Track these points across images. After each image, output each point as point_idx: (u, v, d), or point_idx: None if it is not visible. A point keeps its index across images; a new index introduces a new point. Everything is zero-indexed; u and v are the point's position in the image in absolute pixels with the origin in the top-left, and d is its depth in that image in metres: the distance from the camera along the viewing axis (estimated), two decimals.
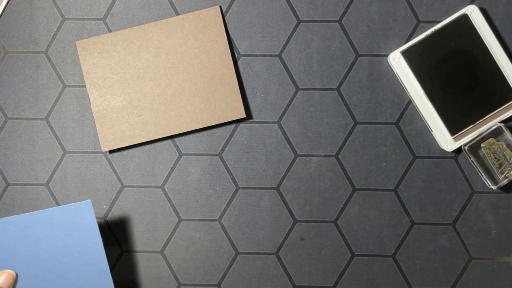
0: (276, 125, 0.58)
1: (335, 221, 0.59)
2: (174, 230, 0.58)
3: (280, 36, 0.58)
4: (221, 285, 0.59)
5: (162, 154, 0.58)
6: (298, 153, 0.58)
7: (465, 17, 0.56)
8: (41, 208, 0.59)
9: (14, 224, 0.54)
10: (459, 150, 0.58)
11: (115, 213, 0.58)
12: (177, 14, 0.58)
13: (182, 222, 0.59)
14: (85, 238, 0.54)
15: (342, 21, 0.58)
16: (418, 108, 0.57)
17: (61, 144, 0.58)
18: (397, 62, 0.56)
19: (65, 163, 0.58)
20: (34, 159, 0.58)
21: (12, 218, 0.54)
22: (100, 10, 0.58)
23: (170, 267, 0.59)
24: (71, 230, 0.54)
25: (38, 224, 0.54)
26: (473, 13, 0.56)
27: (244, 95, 0.58)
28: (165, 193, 0.58)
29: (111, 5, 0.58)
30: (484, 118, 0.56)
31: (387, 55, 0.57)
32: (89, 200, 0.53)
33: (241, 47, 0.58)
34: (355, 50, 0.58)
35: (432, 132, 0.57)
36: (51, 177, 0.58)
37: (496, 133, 0.56)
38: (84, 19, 0.58)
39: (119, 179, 0.58)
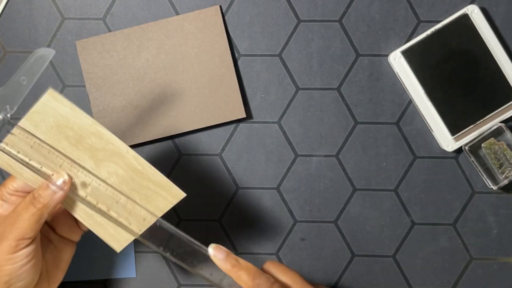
0: (276, 125, 0.58)
1: (335, 221, 0.58)
2: None
3: (280, 36, 0.58)
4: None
5: (162, 154, 0.58)
6: (298, 153, 0.58)
7: (465, 17, 0.55)
8: None
9: None
10: (459, 150, 0.58)
11: None
12: (177, 14, 0.58)
13: (182, 222, 0.59)
14: None
15: (343, 21, 0.58)
16: (418, 108, 0.57)
17: None
18: (397, 62, 0.56)
19: None
20: None
21: None
22: (100, 10, 0.58)
23: (170, 266, 0.59)
24: None
25: None
26: (474, 12, 0.55)
27: (244, 95, 0.58)
28: None
29: (111, 5, 0.58)
30: (485, 118, 0.56)
31: (387, 55, 0.57)
32: None
33: (241, 47, 0.58)
34: (356, 50, 0.58)
35: (432, 132, 0.57)
36: None
37: (496, 133, 0.56)
38: (84, 19, 0.58)
39: None
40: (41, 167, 0.45)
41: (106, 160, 0.45)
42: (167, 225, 0.48)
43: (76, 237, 0.49)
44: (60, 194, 0.44)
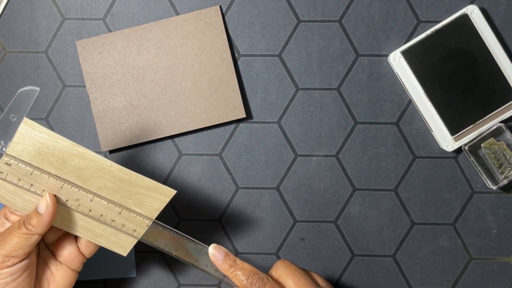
0: (276, 125, 0.58)
1: (335, 221, 0.59)
2: None
3: (280, 36, 0.58)
4: (221, 285, 0.59)
5: (162, 154, 0.58)
6: (298, 153, 0.58)
7: (465, 17, 0.55)
8: None
9: None
10: (459, 150, 0.58)
11: None
12: (177, 14, 0.58)
13: (182, 222, 0.59)
14: None
15: (342, 21, 0.58)
16: (418, 108, 0.57)
17: None
18: (397, 62, 0.56)
19: None
20: None
21: None
22: (100, 10, 0.58)
23: (170, 266, 0.59)
24: None
25: None
26: (473, 13, 0.56)
27: (244, 95, 0.58)
28: None
29: (111, 5, 0.58)
30: (484, 118, 0.56)
31: (387, 55, 0.57)
32: None
33: (241, 47, 0.58)
34: (355, 50, 0.58)
35: (432, 132, 0.57)
36: None
37: (496, 133, 0.56)
38: (84, 19, 0.58)
39: None
40: (43, 191, 0.46)
41: (93, 177, 0.46)
42: (168, 227, 0.49)
43: (75, 265, 0.49)
44: (46, 217, 0.45)
